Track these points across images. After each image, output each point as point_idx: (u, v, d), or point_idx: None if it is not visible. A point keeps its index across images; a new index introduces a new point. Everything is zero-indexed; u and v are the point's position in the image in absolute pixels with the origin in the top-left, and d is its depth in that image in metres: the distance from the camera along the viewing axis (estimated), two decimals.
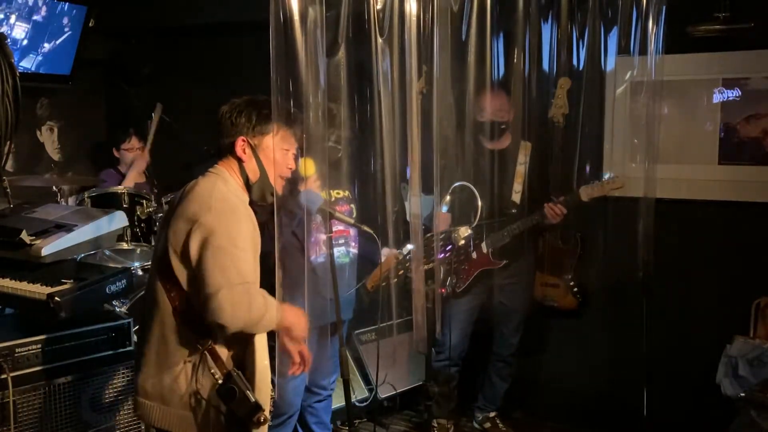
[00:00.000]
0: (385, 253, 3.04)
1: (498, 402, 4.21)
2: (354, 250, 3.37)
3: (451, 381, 4.09)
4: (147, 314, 2.37)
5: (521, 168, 3.89)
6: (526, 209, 3.88)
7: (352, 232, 3.32)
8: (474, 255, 3.88)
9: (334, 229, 3.12)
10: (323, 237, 2.95)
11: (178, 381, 2.25)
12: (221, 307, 2.12)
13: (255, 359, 2.23)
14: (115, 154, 4.82)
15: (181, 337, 2.26)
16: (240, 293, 2.15)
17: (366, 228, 3.00)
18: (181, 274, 2.24)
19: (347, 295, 3.35)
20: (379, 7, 2.63)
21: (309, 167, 2.84)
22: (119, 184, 4.52)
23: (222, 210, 2.24)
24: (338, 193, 3.33)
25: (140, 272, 3.82)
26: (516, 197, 3.88)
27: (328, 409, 3.53)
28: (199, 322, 2.21)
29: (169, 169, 4.98)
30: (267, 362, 2.26)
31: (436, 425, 4.06)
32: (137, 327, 3.03)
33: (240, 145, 2.41)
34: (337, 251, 3.22)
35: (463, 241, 3.43)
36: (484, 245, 3.87)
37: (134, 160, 4.78)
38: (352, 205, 3.37)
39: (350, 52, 2.72)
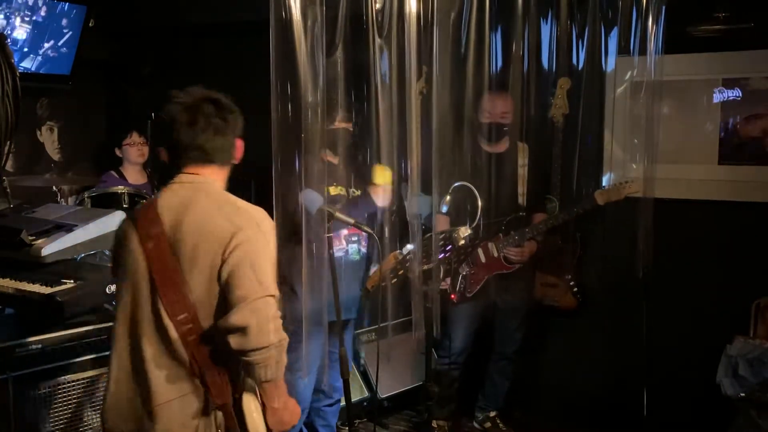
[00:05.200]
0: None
1: (499, 401, 4.21)
2: (365, 249, 3.39)
3: (453, 383, 4.09)
4: None
5: (521, 170, 3.89)
6: (530, 211, 3.88)
7: None
8: (483, 259, 3.87)
9: (347, 228, 3.16)
10: (331, 236, 2.95)
11: None
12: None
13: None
14: (118, 153, 4.82)
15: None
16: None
17: (366, 228, 3.01)
18: None
19: (353, 295, 3.36)
20: (377, 7, 2.63)
21: (386, 176, 2.91)
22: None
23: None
24: (354, 192, 3.34)
25: None
26: (519, 199, 3.88)
27: (336, 413, 3.53)
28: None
29: (169, 169, 4.98)
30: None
31: (435, 426, 4.06)
32: None
33: (240, 147, 2.27)
34: (350, 248, 3.31)
35: (462, 241, 3.43)
36: (493, 249, 3.86)
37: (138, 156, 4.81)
38: None
39: (348, 52, 2.72)
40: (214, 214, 2.09)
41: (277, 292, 2.08)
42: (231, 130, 2.21)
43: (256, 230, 2.09)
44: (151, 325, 2.09)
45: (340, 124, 3.23)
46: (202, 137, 2.15)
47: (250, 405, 2.16)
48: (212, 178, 2.21)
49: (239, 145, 2.25)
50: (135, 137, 4.80)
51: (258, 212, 2.16)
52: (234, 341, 2.00)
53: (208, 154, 2.18)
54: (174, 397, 2.08)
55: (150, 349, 2.08)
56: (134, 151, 4.80)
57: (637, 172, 3.69)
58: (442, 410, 4.08)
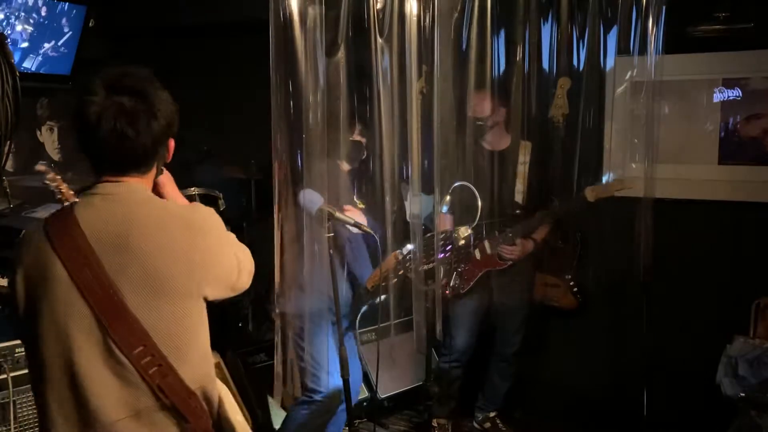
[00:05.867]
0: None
1: (499, 402, 4.21)
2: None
3: (455, 382, 4.10)
4: None
5: (522, 168, 3.89)
6: (529, 210, 3.88)
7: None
8: (477, 256, 3.88)
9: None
10: (332, 235, 2.94)
11: None
12: None
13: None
14: None
15: None
16: None
17: (366, 228, 3.01)
18: None
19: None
20: (379, 7, 2.63)
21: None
22: None
23: None
24: (360, 204, 3.33)
25: None
26: (519, 197, 3.88)
27: (344, 419, 3.52)
28: None
29: (168, 169, 4.98)
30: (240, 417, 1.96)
31: (435, 425, 4.06)
32: None
33: (171, 147, 1.90)
34: None
35: (463, 241, 3.43)
36: (488, 246, 3.87)
37: None
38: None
39: (350, 52, 2.72)
40: (158, 231, 1.75)
41: (237, 246, 1.91)
42: (149, 137, 1.78)
43: (216, 230, 1.84)
44: (99, 358, 1.73)
45: (357, 137, 3.23)
46: (109, 146, 1.75)
47: (235, 412, 1.95)
48: (136, 185, 1.82)
49: (170, 145, 1.90)
50: None
51: (199, 207, 1.89)
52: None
53: (120, 164, 1.79)
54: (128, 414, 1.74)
55: (96, 382, 1.73)
56: None
57: (637, 171, 3.69)
58: (443, 408, 4.09)
